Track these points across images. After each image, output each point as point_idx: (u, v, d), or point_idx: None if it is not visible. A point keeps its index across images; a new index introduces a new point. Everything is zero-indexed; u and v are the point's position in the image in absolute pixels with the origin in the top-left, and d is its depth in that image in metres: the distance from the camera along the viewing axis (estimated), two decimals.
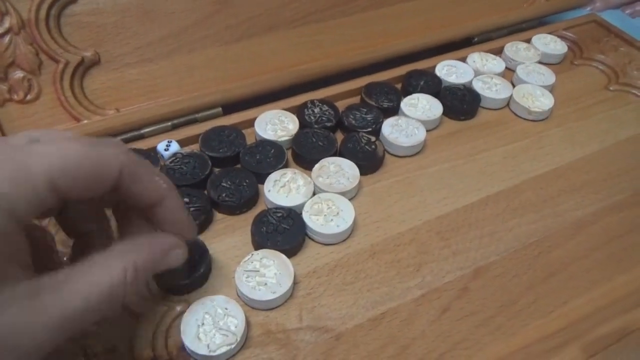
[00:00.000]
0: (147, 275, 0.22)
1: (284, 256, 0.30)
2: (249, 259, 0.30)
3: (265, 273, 0.29)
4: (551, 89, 0.45)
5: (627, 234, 0.34)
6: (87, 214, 0.25)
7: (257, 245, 0.31)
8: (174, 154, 0.35)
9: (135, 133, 0.37)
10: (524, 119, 0.42)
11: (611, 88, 0.46)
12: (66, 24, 0.34)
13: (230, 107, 0.41)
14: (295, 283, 0.30)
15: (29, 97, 0.34)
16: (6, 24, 0.32)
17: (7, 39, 0.32)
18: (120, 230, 0.25)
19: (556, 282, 0.31)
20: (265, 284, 0.29)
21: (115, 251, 0.21)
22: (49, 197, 0.19)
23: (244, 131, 0.39)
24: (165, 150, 0.36)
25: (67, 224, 0.25)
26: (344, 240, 0.33)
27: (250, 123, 0.39)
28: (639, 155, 0.40)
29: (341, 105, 0.41)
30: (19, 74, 0.34)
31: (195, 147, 0.37)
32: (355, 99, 0.43)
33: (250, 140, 0.38)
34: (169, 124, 0.38)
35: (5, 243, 0.18)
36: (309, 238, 0.33)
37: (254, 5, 0.40)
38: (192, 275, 0.29)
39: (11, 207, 0.17)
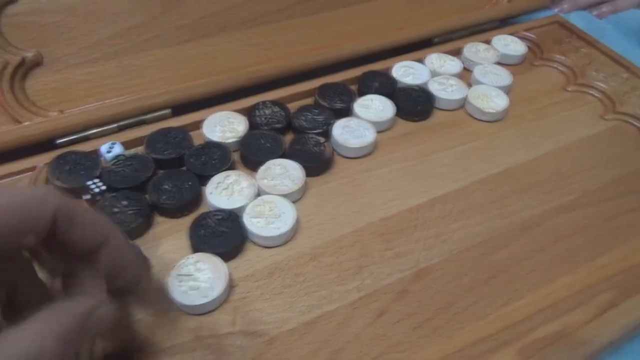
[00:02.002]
0: (73, 346, 0.19)
1: (218, 260, 0.30)
2: (183, 262, 0.29)
3: (199, 277, 0.29)
4: (507, 89, 0.45)
5: (572, 235, 0.34)
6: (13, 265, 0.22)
7: (194, 249, 0.31)
8: (117, 156, 0.35)
9: (80, 135, 0.37)
10: (479, 119, 0.42)
11: (569, 89, 0.46)
12: (6, 24, 0.34)
13: (181, 109, 0.40)
14: (231, 287, 0.30)
15: None
16: None
17: None
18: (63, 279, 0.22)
19: (497, 284, 0.31)
20: (198, 288, 0.28)
21: (34, 321, 0.18)
22: None
23: (193, 133, 0.38)
24: (108, 152, 0.35)
25: None
26: (286, 243, 0.32)
27: (199, 125, 0.39)
28: (591, 156, 0.40)
29: (296, 106, 0.41)
30: None
31: (141, 150, 0.37)
32: (310, 100, 0.43)
33: (199, 142, 0.38)
34: (115, 125, 0.38)
35: None
36: (251, 241, 0.32)
37: (207, 4, 0.40)
38: None
39: None
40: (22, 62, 0.34)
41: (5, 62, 0.34)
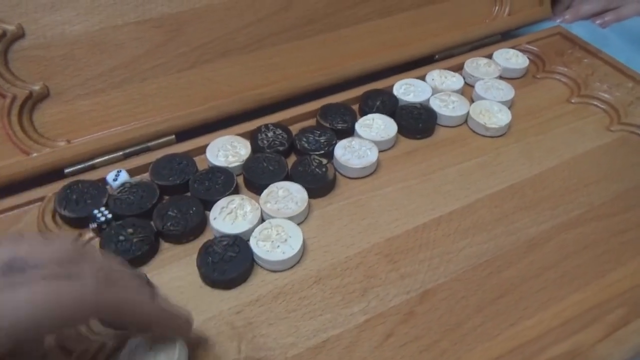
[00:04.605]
0: None
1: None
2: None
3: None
4: (510, 104, 0.44)
5: (581, 250, 0.33)
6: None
7: (204, 277, 0.31)
8: (122, 184, 0.35)
9: (87, 164, 0.38)
10: (482, 135, 0.42)
11: (573, 100, 0.46)
12: (14, 58, 0.35)
13: (185, 134, 0.41)
14: (236, 312, 0.30)
15: None
16: None
17: None
18: None
19: (505, 303, 0.31)
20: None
21: None
22: (5, 344, 0.18)
23: (197, 158, 0.39)
24: (114, 180, 0.36)
25: None
26: (291, 267, 0.32)
27: (204, 150, 0.39)
28: (597, 168, 0.39)
29: (298, 128, 0.41)
30: None
31: (147, 176, 0.37)
32: (313, 122, 0.43)
33: (203, 167, 0.38)
34: (121, 153, 0.38)
35: None
36: (257, 264, 0.32)
37: (207, 31, 0.40)
38: None
39: None
40: (30, 96, 0.35)
41: (13, 96, 0.35)
